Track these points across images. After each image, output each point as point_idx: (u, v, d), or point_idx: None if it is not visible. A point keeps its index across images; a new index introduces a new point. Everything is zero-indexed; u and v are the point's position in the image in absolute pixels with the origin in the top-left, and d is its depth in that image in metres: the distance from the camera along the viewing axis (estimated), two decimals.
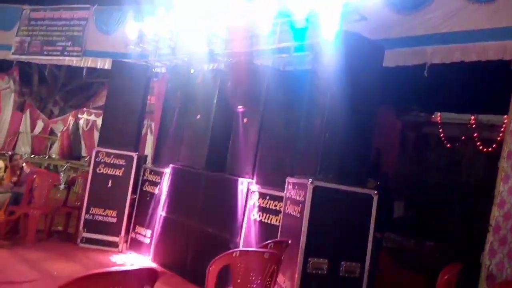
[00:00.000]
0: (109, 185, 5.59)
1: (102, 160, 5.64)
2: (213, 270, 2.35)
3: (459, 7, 4.03)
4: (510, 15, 3.69)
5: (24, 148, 13.39)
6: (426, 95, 5.95)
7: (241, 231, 4.20)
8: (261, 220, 4.07)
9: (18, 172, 5.90)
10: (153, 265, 5.08)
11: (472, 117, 8.72)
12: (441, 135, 9.44)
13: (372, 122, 3.66)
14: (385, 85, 3.70)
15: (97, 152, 5.66)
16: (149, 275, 1.61)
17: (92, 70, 8.79)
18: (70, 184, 7.07)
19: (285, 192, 3.74)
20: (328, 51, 3.55)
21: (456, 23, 4.04)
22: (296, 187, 3.53)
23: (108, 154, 5.64)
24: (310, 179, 3.29)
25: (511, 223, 3.44)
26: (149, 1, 6.63)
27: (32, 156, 12.56)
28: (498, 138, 9.00)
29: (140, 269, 1.55)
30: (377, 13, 4.41)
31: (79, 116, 14.55)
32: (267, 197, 4.09)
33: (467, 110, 7.96)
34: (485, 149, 9.22)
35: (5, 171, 5.96)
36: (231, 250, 2.52)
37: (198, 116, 5.32)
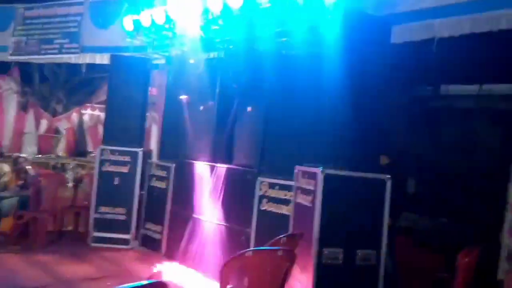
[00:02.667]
0: (116, 182, 5.53)
1: (107, 158, 5.57)
2: (226, 272, 2.26)
3: None
4: None
5: (30, 148, 13.37)
6: (435, 68, 5.74)
7: (252, 222, 4.11)
8: (271, 210, 3.98)
9: (23, 175, 5.85)
10: (166, 261, 5.06)
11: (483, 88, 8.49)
12: (452, 108, 9.22)
13: (381, 103, 3.53)
14: (393, 62, 3.55)
15: (102, 150, 5.59)
16: None
17: (92, 65, 8.65)
18: (77, 182, 7.03)
19: (294, 181, 3.63)
20: (332, 32, 3.39)
21: None
22: (306, 176, 3.42)
23: (113, 152, 5.56)
24: (321, 168, 3.17)
25: None
26: None
27: (39, 156, 12.56)
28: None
29: (149, 284, 1.46)
30: None
31: (83, 112, 14.48)
32: (277, 187, 3.98)
33: (477, 81, 7.73)
34: (498, 121, 8.99)
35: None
36: (244, 251, 2.42)
37: (202, 107, 5.20)
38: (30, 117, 13.87)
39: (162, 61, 6.49)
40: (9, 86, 13.29)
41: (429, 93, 8.88)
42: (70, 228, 6.05)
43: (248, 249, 2.44)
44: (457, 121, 8.86)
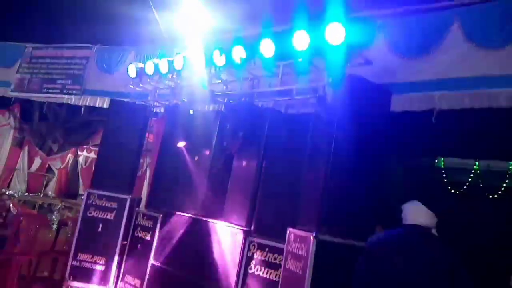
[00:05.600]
0: (99, 229, 5.29)
1: (93, 203, 5.37)
2: None
3: (467, 53, 3.92)
4: None
5: (19, 185, 13.13)
6: (432, 140, 5.76)
7: (237, 285, 3.86)
8: (259, 274, 3.74)
9: (4, 214, 5.62)
10: None
11: (477, 163, 8.52)
12: (445, 180, 9.19)
13: (379, 169, 3.46)
14: (393, 131, 3.53)
15: (89, 194, 5.41)
16: None
17: (93, 108, 8.69)
18: (62, 224, 6.77)
19: (285, 244, 3.45)
20: (333, 95, 3.39)
21: (464, 69, 3.91)
22: (298, 239, 3.25)
23: (100, 196, 5.37)
24: (313, 233, 3.02)
25: None
26: (150, 41, 6.63)
27: (27, 194, 12.27)
28: (504, 185, 8.75)
29: None
30: (381, 58, 4.30)
31: (79, 153, 14.39)
32: (266, 249, 3.78)
33: (474, 156, 7.76)
34: (490, 196, 8.94)
35: None
36: None
37: (196, 158, 5.12)
38: (24, 154, 13.76)
39: (162, 110, 6.52)
40: (8, 121, 13.32)
41: (426, 164, 8.91)
42: (45, 274, 5.71)
43: None
44: (452, 194, 8.77)
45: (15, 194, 11.52)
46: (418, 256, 2.72)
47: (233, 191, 4.46)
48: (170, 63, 5.47)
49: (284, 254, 3.44)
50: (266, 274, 3.68)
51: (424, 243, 2.79)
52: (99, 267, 5.22)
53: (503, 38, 3.75)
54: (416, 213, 2.90)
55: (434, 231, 2.92)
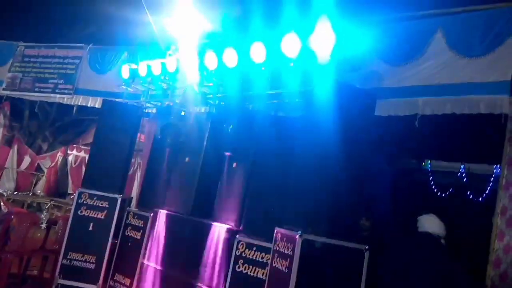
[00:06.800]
0: (90, 228, 5.35)
1: (84, 202, 5.43)
2: None
3: (450, 60, 4.06)
4: (501, 70, 3.71)
5: (8, 184, 13.05)
6: (417, 143, 5.92)
7: (225, 283, 3.97)
8: (247, 272, 3.86)
9: None
10: None
11: (463, 166, 8.72)
12: (432, 183, 9.37)
13: (364, 171, 3.58)
14: (377, 134, 3.65)
15: (80, 194, 5.47)
16: None
17: (84, 108, 8.71)
18: (51, 224, 6.79)
19: (273, 243, 3.57)
20: (321, 100, 3.51)
21: (447, 76, 4.05)
22: (285, 239, 3.36)
23: (91, 196, 5.43)
24: (299, 232, 3.13)
25: (508, 285, 3.28)
26: (143, 42, 6.69)
27: (16, 192, 12.21)
28: (488, 188, 8.96)
29: None
30: (369, 64, 4.44)
31: (69, 152, 14.34)
32: (254, 248, 3.89)
33: (458, 159, 7.96)
34: (475, 199, 9.15)
35: None
36: None
37: (187, 159, 5.20)
38: (13, 152, 13.68)
39: (154, 110, 6.59)
40: None
41: (413, 166, 9.08)
42: (35, 272, 5.74)
43: None
44: (437, 195, 8.96)
45: (3, 193, 11.46)
46: (430, 259, 3.27)
47: (224, 191, 4.56)
48: (163, 65, 5.55)
49: (271, 253, 3.55)
50: (254, 272, 3.80)
51: (435, 248, 3.36)
52: (90, 266, 5.28)
53: (484, 47, 3.90)
54: (430, 223, 3.48)
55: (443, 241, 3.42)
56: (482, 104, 3.81)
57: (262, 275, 3.69)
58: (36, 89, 8.05)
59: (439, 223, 3.47)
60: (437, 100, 4.04)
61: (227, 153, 4.63)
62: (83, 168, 13.25)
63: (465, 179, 8.85)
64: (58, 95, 7.86)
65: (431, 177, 9.30)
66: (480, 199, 9.06)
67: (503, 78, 3.69)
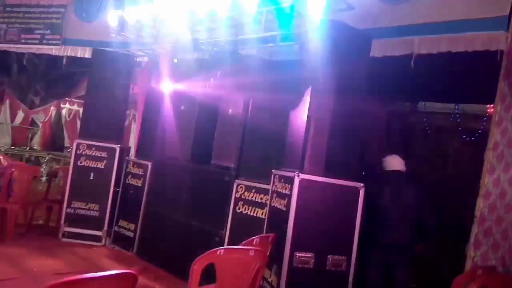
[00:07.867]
0: (91, 178, 5.46)
1: (83, 153, 5.49)
2: (196, 269, 2.27)
3: None
4: (498, 5, 3.64)
5: (4, 139, 13.04)
6: (412, 85, 5.91)
7: (226, 224, 4.14)
8: (246, 213, 4.01)
9: None
10: (137, 260, 5.02)
11: (456, 107, 8.77)
12: (426, 125, 9.47)
13: (358, 113, 3.62)
14: (371, 75, 3.65)
15: (78, 144, 5.52)
16: (127, 279, 1.53)
17: (73, 60, 8.53)
18: (51, 176, 6.90)
19: (271, 185, 3.68)
20: (314, 41, 3.47)
21: (443, 13, 3.97)
22: (282, 180, 3.47)
23: (90, 146, 5.49)
24: (297, 172, 3.23)
25: (496, 215, 3.44)
26: None
27: (13, 147, 12.24)
28: (481, 128, 9.08)
29: (118, 274, 1.47)
30: (364, 2, 4.33)
31: (62, 106, 14.21)
32: (253, 190, 4.02)
33: (452, 100, 7.99)
34: (468, 139, 9.30)
35: None
36: (215, 249, 2.44)
37: (182, 107, 5.20)
38: (5, 107, 13.53)
39: (145, 59, 6.48)
40: None
41: (407, 108, 9.13)
42: (41, 222, 5.92)
43: (219, 248, 2.45)
44: (432, 137, 9.10)
45: (1, 148, 11.50)
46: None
47: (221, 137, 4.61)
48: (152, 10, 5.38)
49: (270, 193, 3.67)
50: (253, 212, 3.95)
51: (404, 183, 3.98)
52: (94, 213, 5.45)
53: None
54: (396, 162, 4.03)
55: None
56: (478, 41, 3.77)
57: (262, 214, 3.84)
58: (23, 41, 7.83)
59: (402, 161, 4.05)
60: (433, 38, 3.99)
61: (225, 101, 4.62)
62: (78, 122, 13.24)
63: (458, 120, 8.94)
64: (46, 46, 7.66)
65: (425, 119, 9.38)
66: (473, 138, 9.21)
67: (501, 14, 3.62)
